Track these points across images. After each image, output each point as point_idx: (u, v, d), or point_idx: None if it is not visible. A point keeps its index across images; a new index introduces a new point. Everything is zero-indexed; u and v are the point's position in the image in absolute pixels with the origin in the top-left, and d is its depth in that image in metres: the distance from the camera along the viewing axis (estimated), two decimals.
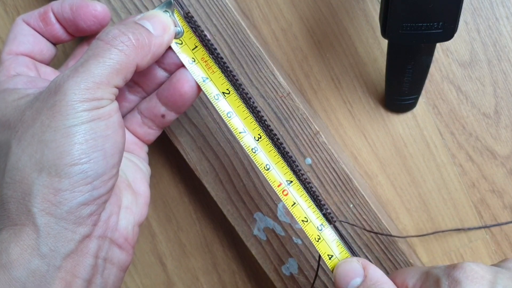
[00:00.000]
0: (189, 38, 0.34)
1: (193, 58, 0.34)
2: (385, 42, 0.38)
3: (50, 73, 0.36)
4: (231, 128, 0.33)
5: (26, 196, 0.28)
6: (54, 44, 0.36)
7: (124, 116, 0.37)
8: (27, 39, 0.34)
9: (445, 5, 0.33)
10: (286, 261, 0.42)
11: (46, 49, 0.36)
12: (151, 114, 0.36)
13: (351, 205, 0.42)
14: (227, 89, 0.34)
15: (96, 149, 0.28)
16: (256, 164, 0.33)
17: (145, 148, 0.38)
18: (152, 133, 0.37)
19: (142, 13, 0.33)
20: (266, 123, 0.33)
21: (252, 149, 0.33)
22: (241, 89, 0.33)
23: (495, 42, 0.43)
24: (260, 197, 0.41)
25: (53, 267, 0.28)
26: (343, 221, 0.41)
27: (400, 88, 0.41)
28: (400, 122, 0.45)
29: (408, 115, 0.45)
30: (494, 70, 0.44)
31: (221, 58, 0.33)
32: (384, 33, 0.35)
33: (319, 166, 0.41)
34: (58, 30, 0.35)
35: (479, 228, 0.45)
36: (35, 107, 0.29)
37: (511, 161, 0.44)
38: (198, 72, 0.33)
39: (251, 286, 0.49)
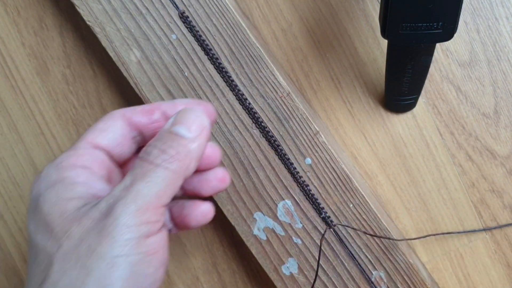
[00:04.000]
0: None
1: None
2: (384, 42, 0.38)
3: (116, 178, 0.33)
4: None
5: None
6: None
7: None
8: (117, 131, 0.33)
9: (445, 5, 0.33)
10: (286, 261, 0.42)
11: (128, 150, 0.34)
12: None
13: (351, 205, 0.42)
14: None
15: (136, 287, 0.27)
16: None
17: None
18: None
19: (174, 116, 0.31)
20: (262, 124, 0.33)
21: None
22: (236, 90, 0.33)
23: (494, 42, 0.43)
24: (260, 197, 0.41)
25: None
26: (345, 225, 0.41)
27: (400, 88, 0.41)
28: (399, 122, 0.45)
29: (407, 115, 0.45)
30: (494, 70, 0.44)
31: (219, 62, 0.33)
32: (384, 33, 0.35)
33: (319, 166, 0.41)
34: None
35: (479, 231, 0.46)
36: (84, 225, 0.28)
37: (511, 161, 0.45)
38: None
39: (251, 286, 0.49)
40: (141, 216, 0.27)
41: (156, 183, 0.28)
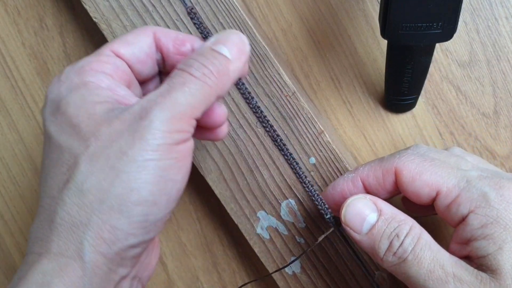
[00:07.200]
0: None
1: None
2: (384, 42, 0.38)
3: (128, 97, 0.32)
4: None
5: (81, 226, 0.26)
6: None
7: None
8: (143, 48, 0.32)
9: (445, 6, 0.33)
10: (289, 260, 0.42)
11: (148, 69, 0.33)
12: None
13: None
14: None
15: (163, 192, 0.27)
16: None
17: None
18: None
19: (215, 35, 0.31)
20: (269, 122, 0.33)
21: None
22: (243, 88, 0.33)
23: (494, 43, 0.44)
24: (263, 195, 0.41)
25: None
26: None
27: (400, 88, 0.42)
28: (399, 122, 0.46)
29: (407, 115, 0.45)
30: (493, 70, 0.44)
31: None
32: (384, 33, 0.36)
33: (323, 166, 0.41)
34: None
35: None
36: (115, 126, 0.27)
37: (510, 161, 0.45)
38: None
39: (251, 286, 0.49)
40: (176, 124, 0.27)
41: (193, 95, 0.28)
